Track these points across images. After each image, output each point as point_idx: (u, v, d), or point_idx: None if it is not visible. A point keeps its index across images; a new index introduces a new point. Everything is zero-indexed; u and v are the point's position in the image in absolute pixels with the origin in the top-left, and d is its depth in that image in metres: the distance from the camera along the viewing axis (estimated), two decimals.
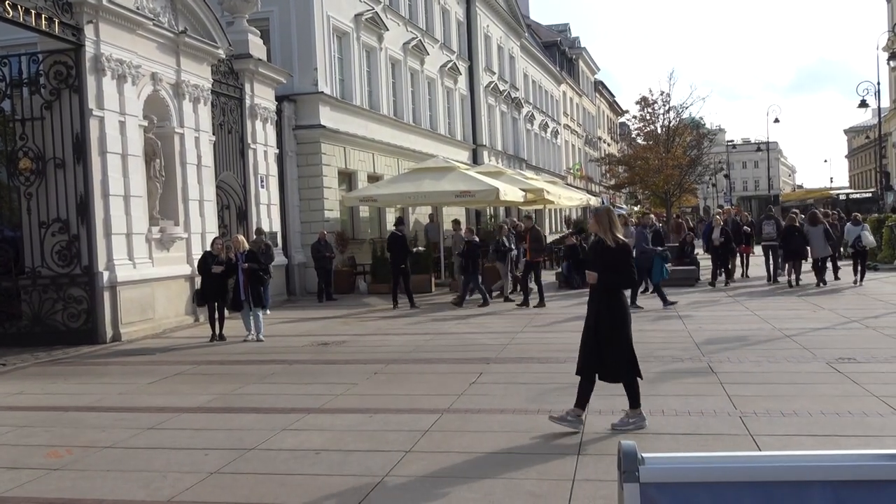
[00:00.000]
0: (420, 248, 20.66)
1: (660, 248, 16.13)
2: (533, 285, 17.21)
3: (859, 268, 18.60)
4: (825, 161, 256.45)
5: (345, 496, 5.25)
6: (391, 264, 17.95)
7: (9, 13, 11.63)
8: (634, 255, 15.13)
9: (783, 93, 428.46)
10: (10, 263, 13.69)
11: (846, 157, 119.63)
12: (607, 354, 6.50)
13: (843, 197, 44.02)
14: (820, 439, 6.11)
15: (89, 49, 13.25)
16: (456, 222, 21.29)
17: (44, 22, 12.31)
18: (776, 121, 51.11)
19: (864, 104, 33.80)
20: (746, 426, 6.50)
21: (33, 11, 12.07)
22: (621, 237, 6.65)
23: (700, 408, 7.15)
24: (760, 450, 5.81)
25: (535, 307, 16.31)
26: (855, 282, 18.35)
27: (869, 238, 18.78)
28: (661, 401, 7.50)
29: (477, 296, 17.47)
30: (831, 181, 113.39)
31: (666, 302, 15.29)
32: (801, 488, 2.16)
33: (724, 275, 19.85)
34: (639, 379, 6.60)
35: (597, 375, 6.59)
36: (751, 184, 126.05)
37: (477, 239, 18.15)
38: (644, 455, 2.20)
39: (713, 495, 2.17)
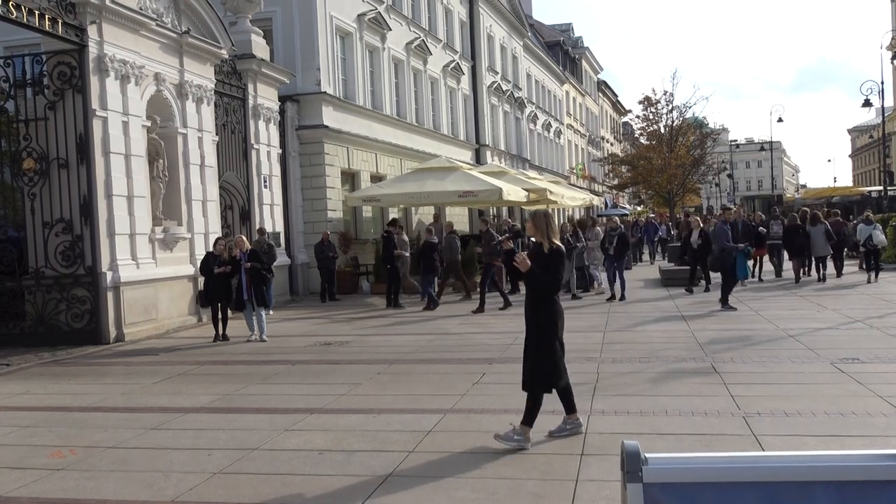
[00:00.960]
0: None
1: (741, 245, 15.10)
2: (515, 286, 17.18)
3: (873, 265, 19.14)
4: (829, 161, 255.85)
5: (348, 496, 5.25)
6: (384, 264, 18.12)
7: (12, 14, 11.65)
8: (715, 252, 14.84)
9: (785, 92, 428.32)
10: (14, 264, 13.71)
11: (850, 156, 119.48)
12: (526, 360, 6.37)
13: (874, 194, 39.74)
14: (824, 439, 6.10)
15: (93, 49, 13.27)
16: (393, 222, 20.44)
17: (47, 22, 12.33)
18: (780, 120, 50.98)
19: (867, 103, 33.71)
20: (750, 426, 6.49)
21: (37, 12, 12.09)
22: (557, 242, 6.44)
23: (703, 408, 7.13)
24: (764, 450, 5.80)
25: (473, 311, 15.95)
26: (868, 279, 18.79)
27: (880, 237, 19.17)
28: (664, 401, 7.50)
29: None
30: (835, 181, 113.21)
31: (726, 302, 14.47)
32: (804, 488, 2.16)
33: (703, 280, 18.70)
34: (546, 394, 6.34)
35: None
36: (754, 183, 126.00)
37: (435, 239, 17.92)
38: (647, 455, 2.20)
39: (717, 495, 2.17)
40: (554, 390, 6.41)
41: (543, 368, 6.27)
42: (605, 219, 44.88)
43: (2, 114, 13.68)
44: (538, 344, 6.31)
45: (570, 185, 47.39)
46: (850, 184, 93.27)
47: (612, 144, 69.88)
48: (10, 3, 11.56)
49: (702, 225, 19.66)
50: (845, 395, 7.51)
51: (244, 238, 13.65)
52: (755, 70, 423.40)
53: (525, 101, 43.68)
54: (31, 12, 11.98)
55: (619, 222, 19.19)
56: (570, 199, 31.35)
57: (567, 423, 6.45)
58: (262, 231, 17.71)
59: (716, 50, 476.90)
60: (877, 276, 18.98)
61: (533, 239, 6.75)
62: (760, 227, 20.94)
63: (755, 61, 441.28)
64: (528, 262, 6.26)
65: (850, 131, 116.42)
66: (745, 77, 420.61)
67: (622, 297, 17.11)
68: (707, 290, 18.04)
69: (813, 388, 7.96)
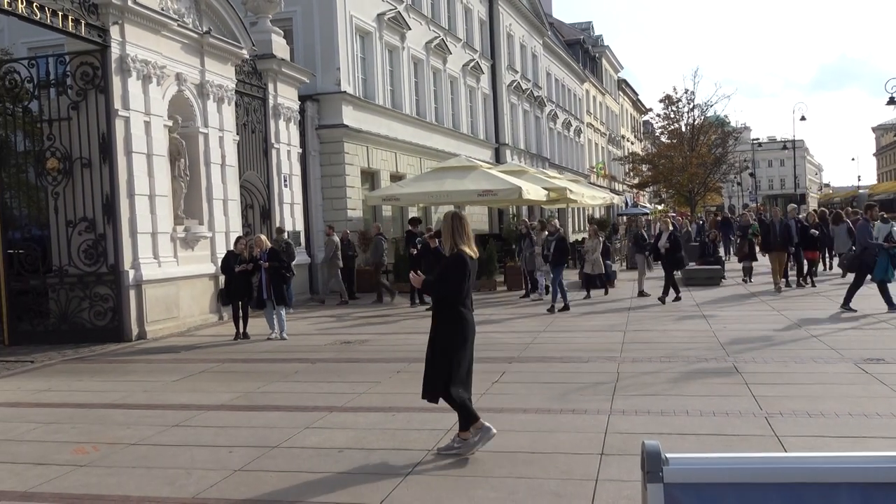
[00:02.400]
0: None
1: (886, 244, 13.65)
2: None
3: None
4: (853, 159, 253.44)
5: (367, 494, 5.26)
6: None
7: (37, 15, 11.78)
8: (857, 251, 13.92)
9: (806, 90, 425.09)
10: (38, 262, 13.86)
11: (874, 154, 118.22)
12: (428, 368, 6.07)
13: None
14: (847, 441, 6.03)
15: (115, 50, 13.38)
16: (414, 221, 19.88)
17: (70, 23, 12.45)
18: (803, 118, 50.46)
19: (892, 101, 33.27)
20: (772, 427, 6.44)
21: (60, 13, 12.21)
22: (463, 248, 5.97)
23: (725, 408, 7.08)
24: (786, 451, 5.75)
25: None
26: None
27: None
28: (686, 401, 7.45)
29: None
30: (859, 179, 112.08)
31: (847, 302, 13.58)
32: (828, 490, 2.13)
33: (672, 290, 16.48)
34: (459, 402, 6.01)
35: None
36: (777, 182, 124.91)
37: (436, 242, 17.71)
38: (668, 455, 2.18)
39: (738, 496, 2.15)
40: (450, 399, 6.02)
41: (441, 374, 5.98)
42: (625, 218, 44.65)
43: (26, 114, 13.83)
44: (436, 351, 6.01)
45: (591, 184, 47.21)
46: (875, 182, 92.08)
47: (632, 143, 69.56)
48: (34, 4, 11.69)
49: (671, 227, 17.55)
50: (869, 396, 7.43)
51: (263, 237, 13.72)
52: (775, 68, 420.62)
53: (545, 99, 43.56)
54: (54, 13, 12.11)
55: (557, 226, 17.29)
56: (591, 198, 31.22)
57: (456, 442, 6.03)
58: (280, 230, 17.76)
59: (735, 48, 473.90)
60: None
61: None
62: (812, 230, 19.01)
63: (775, 59, 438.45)
64: (420, 278, 6.13)
65: (874, 129, 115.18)
66: (764, 75, 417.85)
67: (564, 307, 15.62)
68: (678, 298, 16.22)
69: (836, 389, 7.88)
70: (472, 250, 6.06)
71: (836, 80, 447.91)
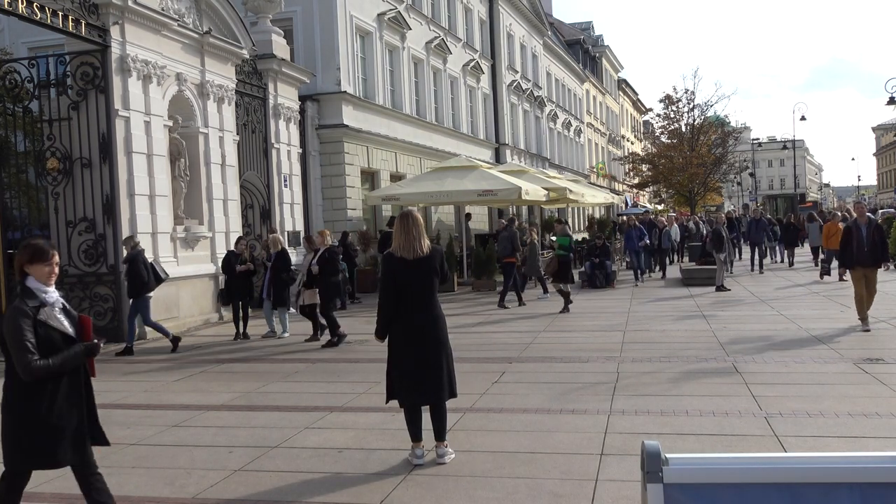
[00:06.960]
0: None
1: None
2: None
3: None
4: (853, 159, 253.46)
5: (367, 494, 5.26)
6: None
7: (37, 15, 11.78)
8: None
9: (799, 91, 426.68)
10: None
11: (874, 154, 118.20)
12: None
13: None
14: (847, 441, 6.03)
15: (115, 50, 13.38)
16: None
17: (70, 23, 12.46)
18: (803, 118, 50.38)
19: (892, 101, 33.25)
20: (772, 427, 6.44)
21: (60, 13, 12.21)
22: (394, 247, 5.87)
23: (724, 408, 7.08)
24: (786, 451, 5.75)
25: None
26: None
27: None
28: (686, 401, 7.45)
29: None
30: (859, 179, 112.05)
31: None
32: (827, 490, 2.14)
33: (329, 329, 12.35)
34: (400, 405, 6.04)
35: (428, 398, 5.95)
36: (777, 182, 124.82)
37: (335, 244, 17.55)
38: (668, 455, 2.19)
39: (738, 496, 2.15)
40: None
41: (388, 379, 6.05)
42: (624, 217, 44.59)
43: (26, 114, 13.83)
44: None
45: (591, 184, 47.20)
46: (875, 182, 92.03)
47: (632, 143, 69.52)
48: (35, 4, 11.69)
49: (330, 243, 12.73)
50: (868, 396, 7.43)
51: (279, 237, 13.72)
52: (767, 69, 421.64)
53: (545, 99, 43.54)
54: (54, 13, 12.11)
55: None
56: (591, 197, 31.27)
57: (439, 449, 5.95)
58: (273, 230, 17.29)
59: (728, 49, 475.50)
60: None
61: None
62: None
63: (767, 61, 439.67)
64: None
65: (874, 129, 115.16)
66: (757, 76, 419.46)
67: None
68: (335, 342, 12.03)
69: (835, 389, 7.88)
70: (414, 250, 5.81)
71: (829, 81, 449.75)
